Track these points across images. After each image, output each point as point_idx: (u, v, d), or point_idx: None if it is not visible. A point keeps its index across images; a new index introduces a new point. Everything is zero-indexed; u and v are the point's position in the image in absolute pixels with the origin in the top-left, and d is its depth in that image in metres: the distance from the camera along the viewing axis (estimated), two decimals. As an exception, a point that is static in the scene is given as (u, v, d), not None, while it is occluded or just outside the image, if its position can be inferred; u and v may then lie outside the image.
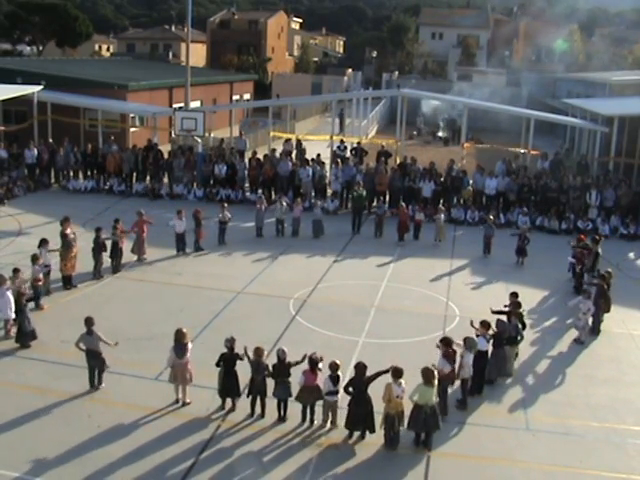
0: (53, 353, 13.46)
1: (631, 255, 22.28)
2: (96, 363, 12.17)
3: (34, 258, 15.50)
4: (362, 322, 15.58)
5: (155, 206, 25.18)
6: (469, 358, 11.99)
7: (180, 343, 11.73)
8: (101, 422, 11.14)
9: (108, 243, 17.97)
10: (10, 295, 13.71)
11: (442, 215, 22.33)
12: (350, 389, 10.85)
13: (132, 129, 33.56)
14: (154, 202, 25.94)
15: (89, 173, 28.27)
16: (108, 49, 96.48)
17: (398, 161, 28.73)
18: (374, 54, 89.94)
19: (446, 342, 11.66)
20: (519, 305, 13.95)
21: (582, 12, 72.31)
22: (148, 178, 27.59)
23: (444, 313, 16.43)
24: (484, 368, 12.48)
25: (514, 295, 14.21)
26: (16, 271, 14.40)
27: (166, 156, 27.94)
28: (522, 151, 29.69)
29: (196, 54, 71.37)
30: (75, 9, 77.00)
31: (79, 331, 12.49)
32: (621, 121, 28.74)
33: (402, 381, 10.66)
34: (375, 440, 10.92)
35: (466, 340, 12.06)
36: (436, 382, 10.72)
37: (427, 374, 10.60)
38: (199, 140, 28.22)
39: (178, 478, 9.91)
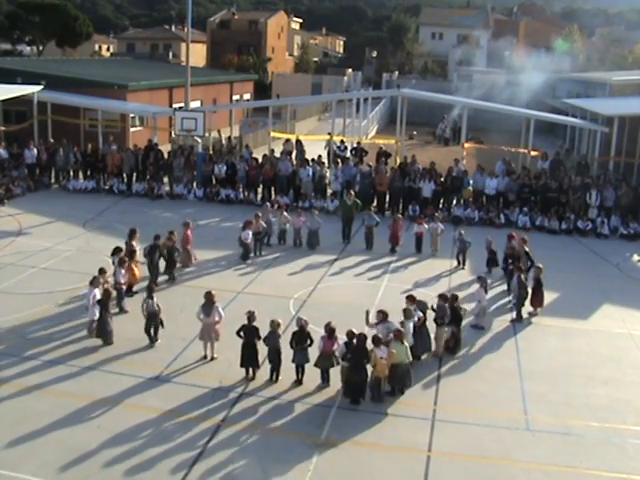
0: (53, 353, 13.47)
1: (631, 255, 22.27)
2: (155, 321, 13.84)
3: (121, 262, 15.51)
4: (362, 322, 15.54)
5: (155, 206, 25.19)
6: (410, 326, 13.25)
7: (208, 303, 13.07)
8: (101, 422, 11.14)
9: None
10: (98, 296, 14.00)
11: (439, 225, 21.40)
12: (349, 356, 11.91)
13: (132, 129, 33.54)
14: (154, 202, 25.95)
15: (89, 173, 28.28)
16: (108, 49, 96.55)
17: (398, 161, 28.73)
18: (374, 54, 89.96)
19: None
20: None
21: (582, 12, 72.38)
22: (148, 178, 27.57)
23: (444, 313, 16.38)
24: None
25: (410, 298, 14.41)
26: (102, 272, 14.86)
27: (166, 156, 27.95)
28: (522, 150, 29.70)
29: (196, 54, 71.38)
30: (75, 9, 77.01)
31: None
32: (621, 121, 28.74)
33: (383, 346, 11.99)
34: (375, 440, 10.94)
35: (405, 311, 13.48)
36: (406, 343, 12.33)
37: (397, 334, 12.28)
38: (199, 140, 28.22)
39: (178, 478, 9.91)
